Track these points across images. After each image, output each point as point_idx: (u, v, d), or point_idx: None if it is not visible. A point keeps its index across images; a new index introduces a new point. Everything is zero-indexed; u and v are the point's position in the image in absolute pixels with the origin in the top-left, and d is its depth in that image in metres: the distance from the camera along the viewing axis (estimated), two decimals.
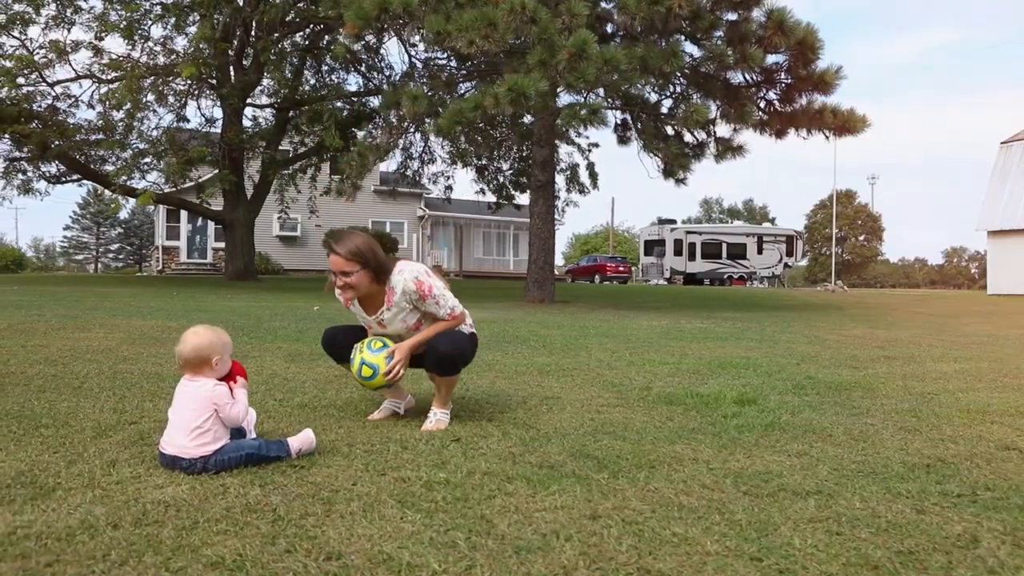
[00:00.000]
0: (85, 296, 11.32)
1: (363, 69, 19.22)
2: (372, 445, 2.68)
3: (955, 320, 12.00)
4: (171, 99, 17.18)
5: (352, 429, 2.94)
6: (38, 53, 16.11)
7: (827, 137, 12.17)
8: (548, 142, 12.98)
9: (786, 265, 37.71)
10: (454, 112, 9.93)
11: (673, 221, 38.60)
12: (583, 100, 11.21)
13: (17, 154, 17.64)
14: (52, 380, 3.87)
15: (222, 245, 23.58)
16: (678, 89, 12.95)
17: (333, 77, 19.66)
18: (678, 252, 35.31)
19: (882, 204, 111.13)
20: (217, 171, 17.71)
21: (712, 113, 12.22)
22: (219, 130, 18.08)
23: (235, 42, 16.91)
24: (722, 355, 5.94)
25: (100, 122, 16.98)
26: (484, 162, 19.84)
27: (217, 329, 2.45)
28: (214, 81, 17.14)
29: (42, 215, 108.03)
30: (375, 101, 18.63)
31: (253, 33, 17.15)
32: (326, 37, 18.28)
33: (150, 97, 16.44)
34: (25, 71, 15.82)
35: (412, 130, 16.21)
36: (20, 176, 17.74)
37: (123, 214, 57.25)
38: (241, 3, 15.97)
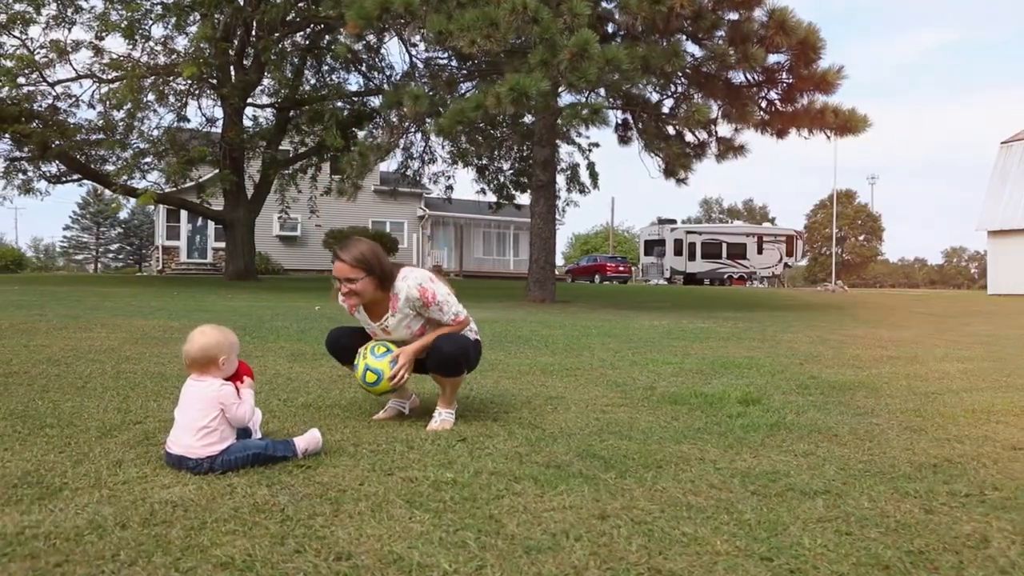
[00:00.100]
0: (86, 296, 11.32)
1: (364, 69, 19.22)
2: (378, 445, 2.68)
3: (956, 320, 12.00)
4: (171, 99, 17.17)
5: (357, 429, 2.94)
6: (39, 53, 16.11)
7: (828, 137, 12.18)
8: (549, 142, 12.98)
9: (786, 265, 37.71)
10: (455, 112, 9.93)
11: (673, 221, 38.61)
12: (585, 100, 11.20)
13: (18, 154, 17.64)
14: (55, 380, 3.86)
15: (222, 245, 23.57)
16: (679, 89, 12.95)
17: (333, 77, 19.67)
18: (678, 252, 35.31)
19: (882, 204, 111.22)
20: (218, 171, 17.70)
21: (713, 113, 12.22)
22: (219, 130, 18.07)
23: (235, 42, 16.90)
24: (725, 355, 5.94)
25: (101, 122, 16.97)
26: (485, 162, 19.84)
27: (224, 329, 2.44)
28: (214, 81, 17.12)
29: (42, 215, 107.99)
30: (376, 101, 18.65)
31: (254, 33, 17.15)
32: (326, 37, 18.28)
33: (151, 97, 16.42)
34: (26, 71, 15.81)
35: (413, 130, 16.21)
36: (21, 176, 17.73)
37: (123, 214, 57.25)
38: (242, 3, 15.96)
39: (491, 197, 20.81)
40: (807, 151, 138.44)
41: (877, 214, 64.77)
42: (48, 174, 18.12)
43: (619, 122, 14.52)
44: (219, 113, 18.34)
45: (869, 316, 12.38)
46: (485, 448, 2.67)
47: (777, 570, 1.67)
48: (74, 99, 17.23)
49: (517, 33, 9.67)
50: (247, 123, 18.63)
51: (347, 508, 1.98)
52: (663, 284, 33.71)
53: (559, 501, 2.08)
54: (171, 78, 16.58)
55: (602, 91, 12.50)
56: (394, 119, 15.03)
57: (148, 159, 17.16)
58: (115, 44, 50.36)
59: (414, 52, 16.21)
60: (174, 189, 17.76)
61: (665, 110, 13.35)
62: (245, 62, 17.46)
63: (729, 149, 12.69)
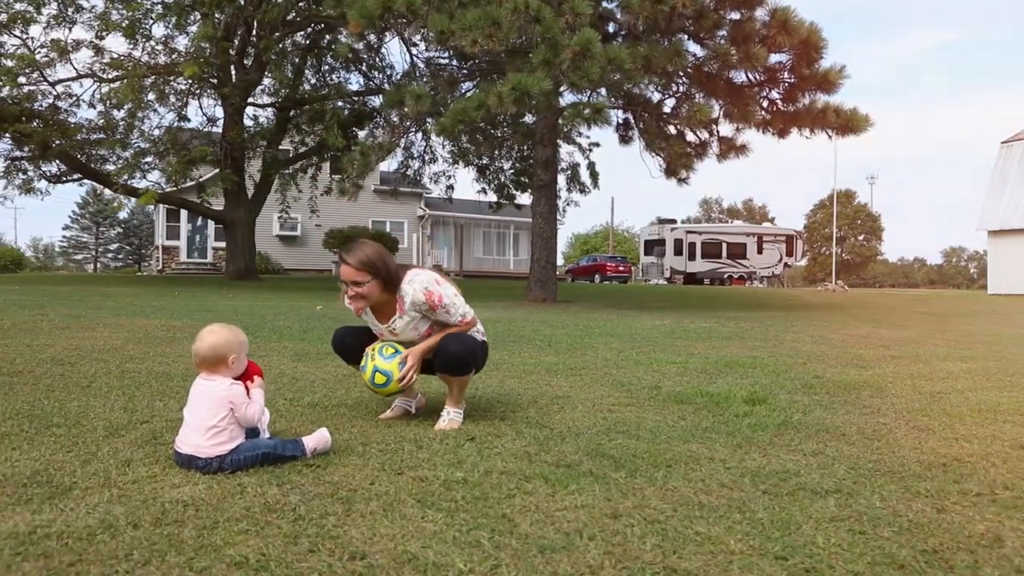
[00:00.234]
0: (87, 296, 11.30)
1: (364, 68, 19.22)
2: (387, 444, 2.67)
3: (957, 320, 12.00)
4: (172, 98, 17.15)
5: (365, 428, 2.93)
6: (39, 52, 16.09)
7: (830, 136, 12.18)
8: (550, 141, 12.97)
9: (786, 265, 37.72)
10: (457, 111, 9.92)
11: (673, 221, 38.62)
12: (587, 99, 11.19)
13: (18, 153, 17.61)
14: (60, 379, 3.86)
15: (222, 245, 23.56)
16: (681, 88, 12.94)
17: (334, 76, 19.67)
18: (678, 252, 35.32)
19: (881, 204, 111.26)
20: (218, 171, 17.69)
21: (715, 112, 12.21)
22: (220, 129, 18.06)
23: (236, 41, 16.89)
24: (728, 354, 5.94)
25: (101, 121, 16.95)
26: (485, 161, 19.83)
27: (234, 328, 2.44)
28: (215, 80, 17.11)
29: (41, 215, 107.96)
30: (376, 101, 18.65)
31: (254, 32, 17.14)
32: (327, 37, 18.27)
33: (151, 96, 16.40)
34: (26, 70, 15.79)
35: (413, 130, 16.20)
36: (21, 175, 17.71)
37: (122, 214, 57.22)
38: (243, 2, 15.95)
39: (492, 197, 20.81)
40: (807, 151, 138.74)
41: (877, 214, 64.86)
42: (48, 174, 18.10)
43: (620, 122, 14.53)
44: (220, 113, 18.34)
45: (870, 316, 12.37)
46: (494, 447, 2.67)
47: (792, 569, 1.67)
48: (75, 99, 17.23)
49: (519, 32, 9.67)
50: (247, 123, 18.62)
51: (359, 507, 1.97)
52: (663, 284, 33.71)
53: (571, 500, 2.08)
54: (172, 78, 16.57)
55: (603, 91, 12.50)
56: (395, 119, 15.02)
57: (149, 159, 17.14)
58: (116, 44, 50.33)
59: (415, 52, 16.20)
60: (174, 189, 17.74)
61: (667, 110, 13.35)
62: (246, 62, 17.44)
63: (731, 149, 12.68)
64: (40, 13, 15.87)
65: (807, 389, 4.29)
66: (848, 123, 11.55)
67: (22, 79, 15.86)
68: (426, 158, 20.30)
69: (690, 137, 13.21)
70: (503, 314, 9.74)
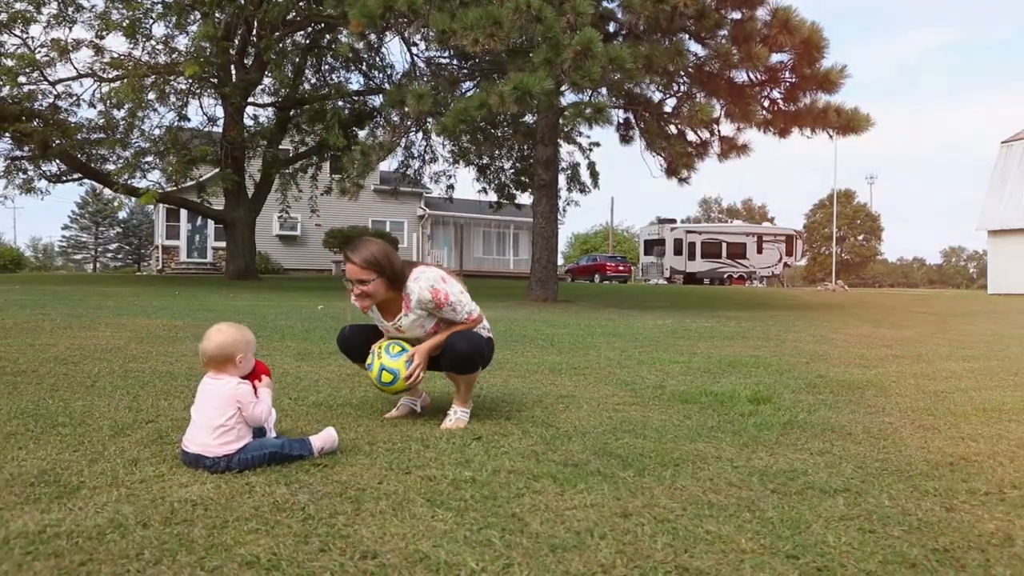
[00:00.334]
0: (88, 295, 11.29)
1: (364, 68, 19.21)
2: (393, 443, 2.67)
3: (958, 319, 12.01)
4: (172, 98, 17.13)
5: (371, 427, 2.93)
6: (40, 52, 16.06)
7: (831, 136, 12.18)
8: (551, 141, 12.96)
9: (786, 265, 37.73)
10: (459, 111, 9.91)
11: (673, 220, 38.62)
12: (588, 99, 11.19)
13: (18, 153, 17.59)
14: (64, 379, 3.85)
15: (222, 244, 23.54)
16: (682, 88, 12.94)
17: (334, 76, 19.66)
18: (678, 251, 35.32)
19: (881, 204, 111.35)
20: (218, 170, 17.67)
21: (716, 112, 12.21)
22: (220, 129, 18.04)
23: (236, 41, 16.87)
24: (731, 354, 5.94)
25: (101, 121, 16.93)
26: (486, 161, 19.82)
27: (241, 327, 2.43)
28: (215, 80, 17.09)
29: (40, 214, 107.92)
30: (376, 100, 18.64)
31: (255, 32, 17.13)
32: (327, 36, 18.26)
33: (151, 96, 16.38)
34: (27, 70, 15.77)
35: (414, 129, 16.19)
36: (21, 175, 17.68)
37: (122, 213, 57.19)
38: (243, 2, 15.93)
39: (492, 196, 20.80)
40: (806, 151, 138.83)
41: (876, 214, 64.90)
42: (49, 173, 18.08)
43: (621, 121, 14.52)
44: (220, 112, 18.32)
45: (870, 315, 12.38)
46: (501, 446, 2.66)
47: (804, 568, 1.67)
48: (75, 98, 17.20)
49: (521, 32, 9.65)
50: (247, 122, 18.60)
51: (368, 507, 1.97)
52: (663, 284, 33.71)
53: (580, 499, 2.08)
54: (172, 77, 16.55)
55: (603, 90, 12.50)
56: (395, 118, 15.01)
57: (149, 158, 17.12)
58: (116, 43, 50.30)
59: (415, 51, 16.19)
60: (174, 188, 17.73)
61: (668, 109, 13.34)
62: (246, 61, 17.43)
63: (732, 148, 12.68)
64: (40, 12, 15.86)
65: (811, 388, 4.29)
66: (849, 123, 11.55)
67: (22, 79, 15.84)
68: (426, 158, 20.30)
69: (691, 137, 13.21)
70: (504, 314, 9.73)
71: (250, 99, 18.10)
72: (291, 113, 18.57)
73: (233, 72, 17.21)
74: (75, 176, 18.75)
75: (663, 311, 11.82)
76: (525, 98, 9.42)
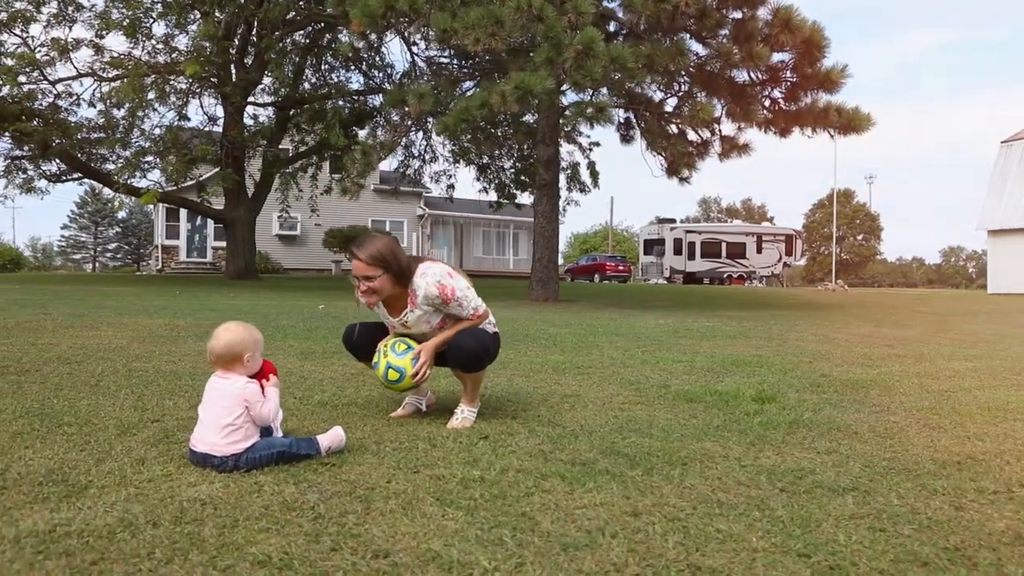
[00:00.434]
0: (88, 295, 11.28)
1: (364, 67, 19.20)
2: (400, 443, 2.67)
3: (959, 319, 12.01)
4: (172, 98, 17.11)
5: (378, 427, 2.92)
6: (40, 51, 16.04)
7: (832, 136, 12.18)
8: (552, 140, 12.96)
9: (785, 264, 37.74)
10: (461, 110, 9.90)
11: (672, 220, 38.63)
12: (589, 98, 11.18)
13: (18, 152, 17.57)
14: (68, 378, 3.84)
15: (221, 244, 23.51)
16: (683, 87, 12.94)
17: (334, 76, 19.65)
18: (678, 251, 35.32)
19: (880, 203, 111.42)
20: (218, 169, 17.65)
21: (717, 111, 12.20)
22: (220, 129, 18.03)
23: (236, 40, 16.86)
24: (734, 353, 5.94)
25: (102, 120, 16.91)
26: (486, 161, 19.82)
27: (249, 326, 2.43)
28: (215, 80, 17.08)
29: (39, 214, 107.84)
30: (376, 100, 18.64)
31: (255, 31, 17.11)
32: (327, 36, 18.25)
33: (152, 95, 16.36)
34: (27, 69, 15.74)
35: (415, 129, 16.18)
36: (21, 175, 17.66)
37: (121, 213, 57.15)
38: (243, 1, 15.91)
39: (492, 196, 20.80)
40: (806, 150, 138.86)
41: (875, 213, 64.94)
42: (48, 173, 18.06)
43: (621, 121, 14.52)
44: (220, 112, 18.30)
45: (871, 315, 12.38)
46: (508, 446, 2.66)
47: (816, 566, 1.67)
48: (75, 98, 17.17)
49: (522, 31, 9.65)
50: (247, 122, 18.58)
51: (378, 506, 1.96)
52: (663, 283, 33.72)
53: (589, 498, 2.07)
54: (172, 77, 16.53)
55: (604, 90, 12.50)
56: (395, 118, 15.01)
57: (149, 158, 17.10)
58: (115, 42, 50.26)
59: (415, 51, 16.18)
60: (175, 188, 17.71)
61: (669, 109, 13.34)
62: (246, 60, 17.41)
63: (733, 148, 12.68)
64: (40, 12, 15.84)
65: (815, 388, 4.29)
66: (850, 122, 11.55)
67: (22, 78, 15.81)
68: (426, 157, 20.29)
69: (692, 136, 13.21)
70: (506, 313, 9.73)
71: (250, 98, 18.09)
72: (291, 113, 18.55)
73: (233, 71, 17.19)
74: (75, 176, 18.73)
75: (664, 311, 11.82)
76: (527, 97, 9.42)
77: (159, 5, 15.98)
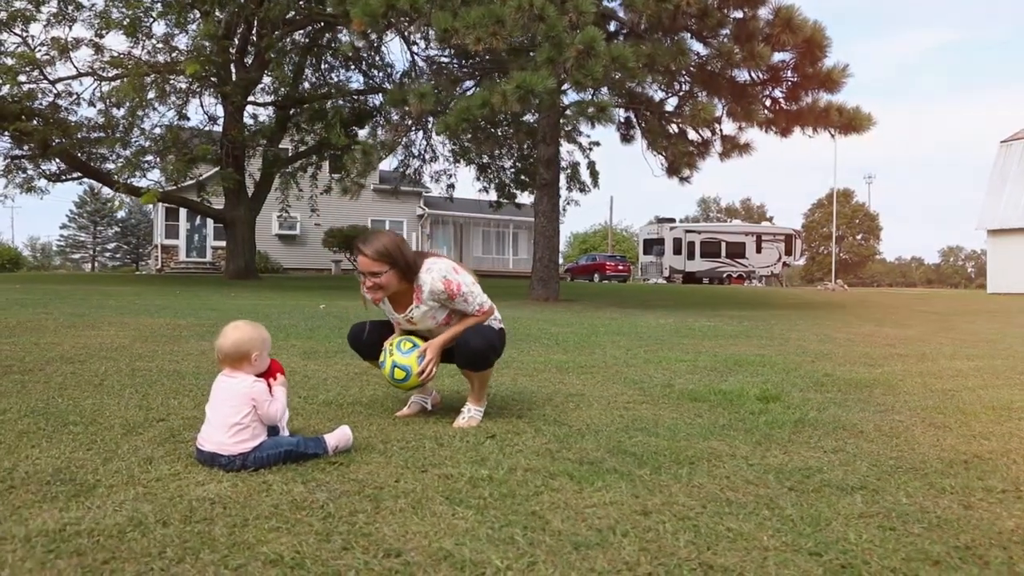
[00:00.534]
0: (89, 294, 11.27)
1: (364, 67, 19.19)
2: (407, 442, 2.66)
3: (960, 318, 12.02)
4: (172, 97, 17.09)
5: (384, 426, 2.92)
6: (39, 50, 16.01)
7: (832, 135, 12.18)
8: (553, 140, 12.96)
9: (785, 264, 37.76)
10: (462, 109, 9.90)
11: (672, 220, 38.64)
12: (590, 98, 11.18)
13: (18, 152, 17.54)
14: (72, 377, 3.84)
15: (221, 244, 23.48)
16: (684, 87, 12.94)
17: (333, 75, 19.63)
18: (677, 251, 35.33)
19: (880, 203, 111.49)
20: (218, 169, 17.63)
21: (718, 111, 12.20)
22: (220, 128, 18.01)
23: (236, 39, 16.84)
24: (736, 352, 5.94)
25: (102, 120, 16.89)
26: (486, 160, 19.81)
27: (257, 324, 2.42)
28: (215, 79, 17.06)
29: (38, 214, 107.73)
30: (376, 99, 18.63)
31: (255, 30, 17.09)
32: (326, 35, 18.24)
33: (152, 95, 16.34)
34: (26, 68, 15.71)
35: (415, 128, 16.17)
36: (21, 174, 17.64)
37: (120, 213, 57.10)
38: (243, 0, 15.89)
39: (492, 196, 20.79)
40: (805, 150, 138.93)
41: (875, 213, 64.99)
42: (48, 172, 18.03)
43: (622, 120, 14.51)
44: (220, 111, 18.28)
45: (872, 315, 12.39)
46: (515, 445, 2.66)
47: (828, 565, 1.66)
48: (75, 97, 17.14)
49: (523, 30, 9.64)
50: (247, 121, 18.57)
51: (387, 505, 1.96)
52: (662, 283, 33.72)
53: (599, 497, 2.07)
54: (172, 76, 16.51)
55: (604, 89, 12.49)
56: (395, 117, 15.00)
57: (149, 157, 17.08)
58: (115, 42, 50.22)
59: (415, 50, 16.17)
60: (174, 188, 17.70)
61: (669, 108, 13.34)
62: (246, 60, 17.39)
63: (734, 147, 12.68)
64: (40, 11, 15.81)
65: (818, 387, 4.29)
66: (851, 122, 11.56)
67: (22, 77, 15.78)
68: (426, 157, 20.28)
69: (693, 136, 13.21)
70: (508, 313, 9.69)
71: (250, 98, 18.07)
72: (291, 112, 18.54)
73: (233, 71, 17.17)
74: (75, 175, 18.70)
75: (665, 310, 11.82)
76: (528, 97, 9.42)
77: (159, 4, 15.96)
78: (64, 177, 18.50)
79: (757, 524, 1.90)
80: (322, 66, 19.43)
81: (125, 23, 15.12)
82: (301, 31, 18.39)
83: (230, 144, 16.95)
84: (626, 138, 14.72)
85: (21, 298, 9.72)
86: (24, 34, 16.05)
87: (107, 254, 61.10)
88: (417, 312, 2.96)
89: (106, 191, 20.59)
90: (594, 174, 19.19)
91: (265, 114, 19.74)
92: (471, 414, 2.98)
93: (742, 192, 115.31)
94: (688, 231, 36.66)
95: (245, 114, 18.38)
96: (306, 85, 18.98)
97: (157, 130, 17.22)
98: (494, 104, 9.51)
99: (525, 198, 20.19)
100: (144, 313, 7.93)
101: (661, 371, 4.76)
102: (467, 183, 62.33)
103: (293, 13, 16.62)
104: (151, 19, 16.03)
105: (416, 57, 16.06)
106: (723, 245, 35.89)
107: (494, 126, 16.64)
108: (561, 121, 12.82)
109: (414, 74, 15.78)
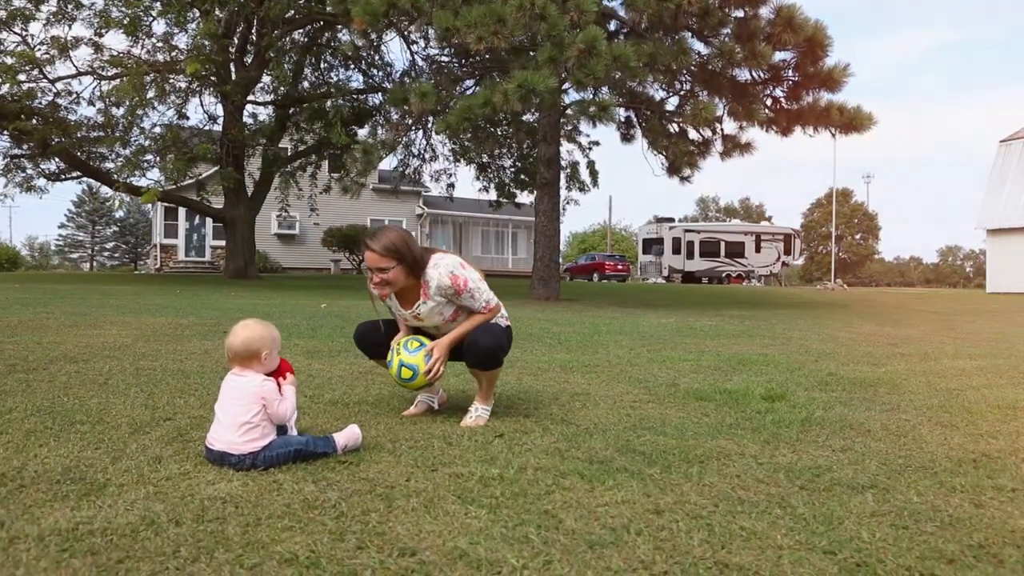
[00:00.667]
0: (89, 293, 11.25)
1: (363, 66, 19.17)
2: (415, 441, 2.66)
3: (960, 318, 12.04)
4: (172, 96, 17.06)
5: (391, 425, 2.92)
6: (39, 49, 15.97)
7: (833, 135, 12.19)
8: (554, 139, 12.95)
9: (784, 264, 37.78)
10: (463, 109, 9.89)
11: (671, 219, 38.65)
12: (592, 97, 11.18)
13: (18, 151, 17.50)
14: (76, 377, 3.83)
15: (220, 243, 23.45)
16: (685, 86, 12.94)
17: (333, 74, 19.61)
18: (676, 250, 35.34)
19: (879, 203, 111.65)
20: (218, 168, 17.60)
21: (719, 110, 12.20)
22: (220, 127, 17.98)
23: (236, 38, 16.81)
24: (739, 352, 5.94)
25: (101, 119, 16.86)
26: (486, 160, 19.81)
27: (267, 323, 2.42)
28: (215, 78, 17.03)
29: (37, 213, 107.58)
30: (376, 98, 18.61)
31: (254, 29, 17.07)
32: (326, 34, 18.22)
33: (151, 94, 16.30)
34: (26, 67, 15.68)
35: (415, 127, 16.16)
36: (21, 173, 17.60)
37: (119, 212, 57.03)
38: None
39: (492, 195, 20.78)
40: (805, 150, 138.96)
41: (873, 213, 65.05)
42: (48, 172, 18.00)
43: (622, 120, 14.51)
44: (220, 110, 18.25)
45: (872, 314, 12.40)
46: (524, 444, 2.65)
47: (843, 563, 1.66)
48: (74, 96, 17.11)
49: (524, 29, 9.64)
50: (247, 120, 18.54)
51: (400, 504, 1.96)
52: (661, 283, 33.74)
53: (610, 496, 2.07)
54: (172, 75, 16.48)
55: (604, 89, 12.48)
56: (395, 116, 14.98)
57: (148, 157, 17.05)
58: (115, 41, 50.13)
59: (415, 49, 16.16)
60: (174, 187, 17.67)
61: (670, 107, 13.35)
62: (246, 59, 17.37)
63: (735, 147, 12.69)
64: (39, 10, 15.77)
65: (823, 386, 4.29)
66: (852, 121, 11.56)
67: (22, 76, 15.74)
68: (426, 156, 20.27)
69: (693, 135, 13.21)
70: (509, 312, 9.70)
71: (250, 97, 18.04)
72: (291, 111, 18.52)
73: (233, 70, 17.15)
74: (74, 175, 18.66)
75: (666, 309, 11.83)
76: (529, 96, 9.41)
77: (159, 3, 15.92)
78: (63, 176, 18.46)
79: (770, 523, 1.90)
80: (322, 65, 19.40)
81: (125, 22, 15.09)
82: (301, 30, 18.36)
83: (230, 143, 16.93)
84: (626, 137, 14.72)
85: (21, 297, 9.70)
86: (24, 33, 16.02)
87: (105, 253, 61.00)
88: (424, 308, 2.95)
89: (106, 190, 20.54)
90: (593, 173, 19.20)
91: (265, 113, 19.73)
92: (478, 413, 2.97)
93: (741, 192, 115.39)
94: (687, 231, 36.68)
95: (245, 113, 18.35)
96: (306, 84, 18.95)
97: (157, 129, 17.19)
98: (496, 103, 9.50)
99: (525, 197, 20.19)
100: (145, 312, 7.92)
101: (665, 370, 4.76)
102: (467, 182, 62.45)
103: (293, 12, 16.59)
104: (151, 18, 16.00)
105: (416, 56, 16.06)
106: (722, 245, 35.91)
107: (494, 125, 16.63)
108: (562, 120, 12.81)
109: (414, 73, 15.77)
